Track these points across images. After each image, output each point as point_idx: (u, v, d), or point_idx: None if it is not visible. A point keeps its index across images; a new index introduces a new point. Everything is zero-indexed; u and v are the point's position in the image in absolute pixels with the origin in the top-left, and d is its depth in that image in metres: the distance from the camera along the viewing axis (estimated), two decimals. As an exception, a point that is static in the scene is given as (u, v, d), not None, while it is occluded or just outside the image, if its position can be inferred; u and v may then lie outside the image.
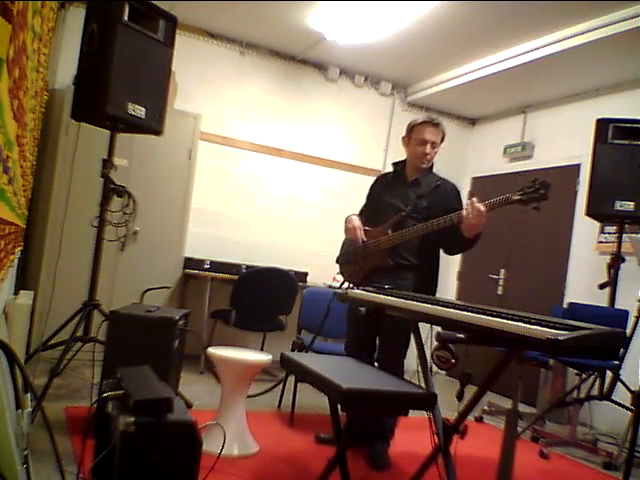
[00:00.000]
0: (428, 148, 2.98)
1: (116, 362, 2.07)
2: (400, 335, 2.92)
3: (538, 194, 2.51)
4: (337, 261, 3.27)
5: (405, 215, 2.94)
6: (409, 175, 3.09)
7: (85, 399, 3.21)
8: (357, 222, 3.03)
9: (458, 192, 3.10)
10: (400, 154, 5.88)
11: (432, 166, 3.10)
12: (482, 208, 2.56)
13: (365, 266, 3.01)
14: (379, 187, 3.23)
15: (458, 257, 6.31)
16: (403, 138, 3.12)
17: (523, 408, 4.44)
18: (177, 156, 4.70)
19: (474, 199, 2.61)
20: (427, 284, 2.97)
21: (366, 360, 2.85)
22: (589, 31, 4.06)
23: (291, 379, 3.57)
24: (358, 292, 2.65)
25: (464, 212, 2.63)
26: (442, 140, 3.05)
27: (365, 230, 3.04)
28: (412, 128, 3.04)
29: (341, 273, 3.24)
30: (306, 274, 5.07)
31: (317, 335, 3.52)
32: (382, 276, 2.88)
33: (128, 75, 2.96)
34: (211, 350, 2.87)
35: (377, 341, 3.10)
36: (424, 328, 2.44)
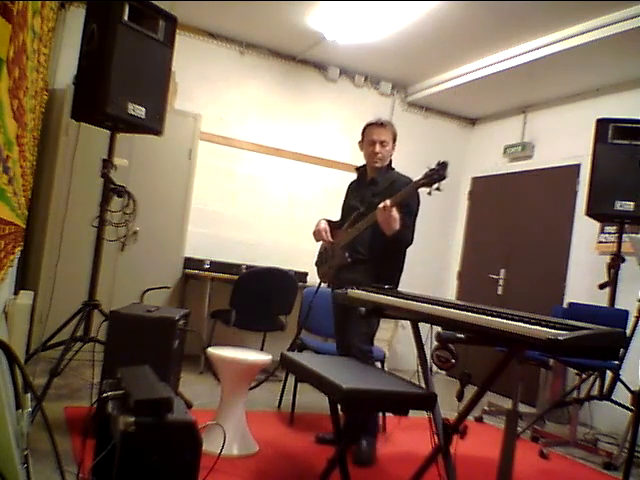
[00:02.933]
0: (378, 147, 3.13)
1: (116, 362, 2.07)
2: (360, 322, 2.95)
3: (437, 175, 2.59)
4: (315, 264, 3.40)
5: (360, 214, 3.07)
6: (368, 176, 3.25)
7: (85, 399, 3.21)
8: (323, 225, 3.23)
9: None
10: (400, 153, 5.84)
11: (390, 164, 3.24)
12: (387, 204, 2.74)
13: (332, 265, 3.18)
14: (349, 191, 3.39)
15: (458, 257, 6.32)
16: (359, 142, 3.28)
17: (523, 408, 4.44)
18: (177, 156, 4.70)
19: (385, 202, 2.76)
20: (383, 275, 2.98)
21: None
22: (589, 31, 4.06)
23: (291, 379, 3.57)
24: (358, 292, 2.65)
25: (377, 212, 2.79)
26: (394, 139, 3.20)
27: (332, 232, 3.21)
28: (363, 131, 3.23)
29: (318, 274, 3.37)
30: (306, 274, 5.07)
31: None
32: (344, 272, 3.06)
33: (128, 75, 2.96)
34: (211, 350, 2.87)
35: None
36: (424, 328, 2.44)
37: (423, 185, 2.66)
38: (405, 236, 2.98)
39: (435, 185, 2.61)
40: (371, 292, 2.59)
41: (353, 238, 3.05)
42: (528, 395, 4.55)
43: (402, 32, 4.62)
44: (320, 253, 3.35)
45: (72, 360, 3.07)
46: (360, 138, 3.28)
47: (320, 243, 3.35)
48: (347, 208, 3.28)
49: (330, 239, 3.18)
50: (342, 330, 3.19)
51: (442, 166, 2.60)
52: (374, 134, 3.15)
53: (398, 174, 3.20)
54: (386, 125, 3.17)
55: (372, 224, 2.91)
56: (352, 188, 3.38)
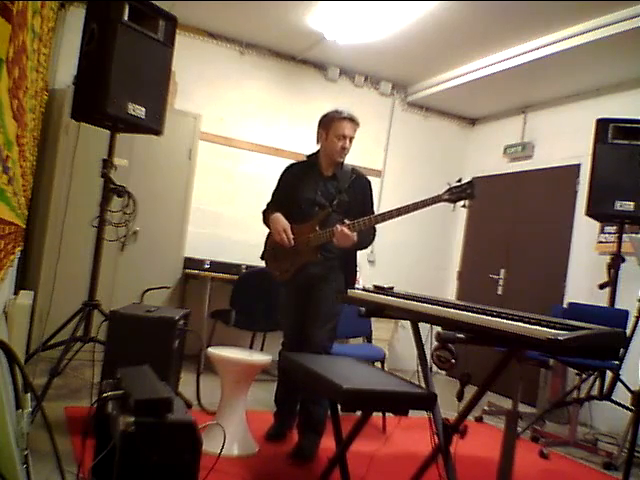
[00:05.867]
0: (347, 143, 3.05)
1: (116, 362, 2.07)
2: (325, 315, 3.00)
3: (465, 193, 2.65)
4: (262, 257, 3.25)
5: (330, 212, 3.02)
6: (325, 169, 3.12)
7: (85, 399, 3.20)
8: (285, 223, 3.03)
9: (370, 185, 3.23)
10: (400, 152, 5.85)
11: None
12: (347, 232, 2.79)
13: (296, 262, 3.06)
14: (292, 178, 3.21)
15: (458, 257, 6.33)
16: (321, 133, 3.11)
17: (523, 408, 4.44)
18: (177, 156, 4.69)
19: (339, 226, 2.81)
20: (348, 271, 3.13)
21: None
22: (589, 31, 4.06)
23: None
24: (358, 292, 2.65)
25: (335, 235, 2.83)
26: None
27: (291, 226, 3.05)
28: (331, 123, 3.06)
29: (269, 270, 3.23)
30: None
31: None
32: (311, 268, 3.02)
33: (128, 75, 2.96)
34: (211, 350, 2.87)
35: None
36: (424, 328, 2.44)
37: (447, 200, 2.68)
38: (372, 238, 3.10)
39: (461, 202, 2.67)
40: (371, 292, 2.59)
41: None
42: (528, 395, 4.55)
43: (402, 32, 4.62)
44: (274, 249, 3.13)
45: (72, 360, 3.07)
46: (322, 127, 3.10)
47: (266, 233, 3.20)
48: (302, 199, 3.08)
49: (292, 242, 2.99)
50: (298, 320, 3.08)
51: (470, 185, 2.64)
52: (346, 129, 3.03)
53: (351, 168, 3.17)
54: (355, 120, 3.08)
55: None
56: (298, 176, 3.18)
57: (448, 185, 2.68)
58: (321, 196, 3.07)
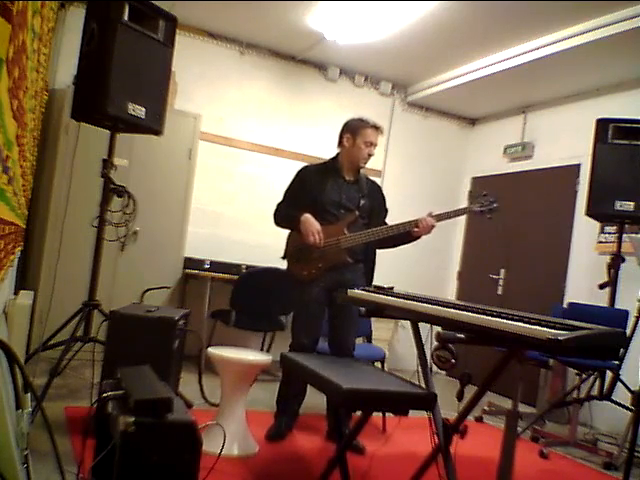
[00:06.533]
0: (373, 150, 3.18)
1: (116, 362, 2.07)
2: (355, 320, 3.17)
3: (492, 207, 3.08)
4: (284, 257, 3.27)
5: (358, 215, 3.14)
6: (346, 173, 3.21)
7: (85, 399, 3.20)
8: (317, 224, 3.04)
9: (382, 190, 3.39)
10: (400, 152, 5.85)
11: None
12: (435, 223, 3.07)
13: (324, 264, 3.10)
14: (311, 180, 3.19)
15: (458, 257, 6.32)
16: (347, 138, 3.17)
17: (523, 408, 4.44)
18: (177, 156, 4.69)
19: (426, 217, 3.06)
20: (368, 275, 3.27)
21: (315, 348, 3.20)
22: (589, 31, 4.06)
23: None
24: (358, 292, 2.65)
25: (419, 224, 3.04)
26: None
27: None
28: (359, 129, 3.15)
29: (293, 271, 3.22)
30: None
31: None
32: (342, 271, 3.12)
33: (128, 75, 2.96)
34: (211, 350, 2.87)
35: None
36: (424, 328, 2.44)
37: (476, 213, 3.10)
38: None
39: (488, 215, 3.10)
40: (371, 292, 2.59)
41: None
42: (528, 395, 4.55)
43: (402, 32, 4.62)
44: (300, 249, 3.14)
45: (72, 360, 3.08)
46: (349, 132, 3.16)
47: (286, 234, 3.27)
48: (326, 201, 3.10)
49: (322, 244, 3.03)
50: (318, 322, 3.17)
51: (495, 200, 3.07)
52: (373, 137, 3.15)
53: (365, 175, 3.31)
54: (381, 129, 3.22)
55: (399, 232, 3.07)
56: (317, 178, 3.17)
57: (476, 200, 3.11)
58: (346, 199, 3.15)
